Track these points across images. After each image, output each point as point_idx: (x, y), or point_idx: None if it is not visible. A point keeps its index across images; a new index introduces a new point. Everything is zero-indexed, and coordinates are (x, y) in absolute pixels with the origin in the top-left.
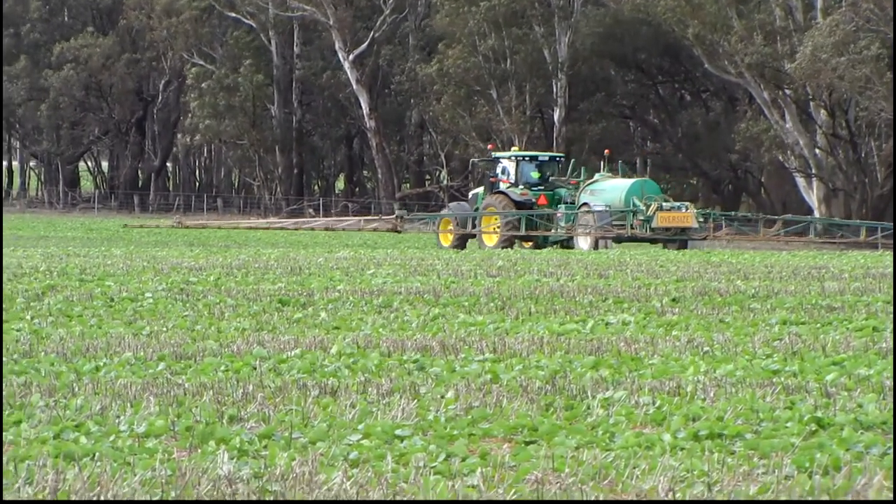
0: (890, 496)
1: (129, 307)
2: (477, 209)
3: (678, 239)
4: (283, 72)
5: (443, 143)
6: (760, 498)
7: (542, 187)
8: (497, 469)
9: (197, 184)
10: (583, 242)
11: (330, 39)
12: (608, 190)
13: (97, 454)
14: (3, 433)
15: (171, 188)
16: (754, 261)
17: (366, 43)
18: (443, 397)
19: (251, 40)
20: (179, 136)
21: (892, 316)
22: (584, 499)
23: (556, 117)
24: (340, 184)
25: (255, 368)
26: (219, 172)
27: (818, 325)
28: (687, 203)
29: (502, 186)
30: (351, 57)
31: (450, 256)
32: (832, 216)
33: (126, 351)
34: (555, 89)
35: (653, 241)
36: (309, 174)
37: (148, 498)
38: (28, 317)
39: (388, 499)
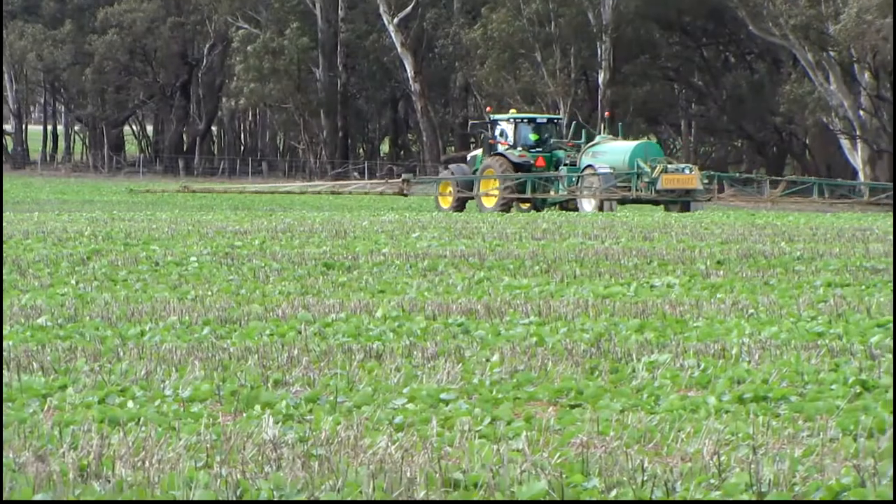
0: None
1: (174, 271)
2: (475, 171)
3: (682, 201)
4: (328, 35)
5: (487, 106)
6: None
7: (540, 149)
8: (542, 433)
9: (242, 147)
10: (587, 205)
11: (374, 3)
12: (611, 152)
13: (142, 419)
14: (47, 398)
15: (216, 152)
16: (799, 223)
17: (410, 6)
18: (488, 361)
19: (296, 4)
20: (224, 99)
21: None
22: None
23: (600, 80)
24: (385, 147)
25: (300, 332)
26: (264, 136)
27: (863, 287)
28: (690, 165)
29: (500, 148)
30: (395, 20)
31: (494, 219)
32: (877, 178)
33: (171, 315)
34: (599, 52)
35: (656, 203)
36: (354, 137)
37: (193, 463)
38: (73, 281)
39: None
